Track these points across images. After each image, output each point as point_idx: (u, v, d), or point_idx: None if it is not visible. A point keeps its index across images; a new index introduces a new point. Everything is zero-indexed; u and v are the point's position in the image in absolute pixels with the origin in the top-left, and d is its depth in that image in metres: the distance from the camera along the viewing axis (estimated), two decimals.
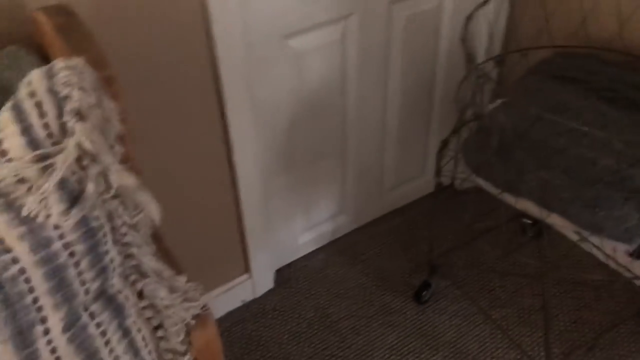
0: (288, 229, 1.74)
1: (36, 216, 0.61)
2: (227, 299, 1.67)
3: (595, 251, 1.80)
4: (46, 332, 0.66)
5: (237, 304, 1.70)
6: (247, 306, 1.70)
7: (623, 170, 1.10)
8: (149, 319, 0.79)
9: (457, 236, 1.89)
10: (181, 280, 0.82)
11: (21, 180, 0.61)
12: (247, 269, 1.67)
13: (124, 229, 0.72)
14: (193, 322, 0.81)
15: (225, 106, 1.33)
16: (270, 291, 1.75)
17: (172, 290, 0.80)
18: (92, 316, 0.69)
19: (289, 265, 1.82)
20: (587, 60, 1.39)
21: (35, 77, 0.64)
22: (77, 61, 0.67)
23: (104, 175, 0.66)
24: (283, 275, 1.79)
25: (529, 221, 1.81)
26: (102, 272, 0.69)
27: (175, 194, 1.39)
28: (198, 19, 1.19)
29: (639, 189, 1.08)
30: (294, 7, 1.34)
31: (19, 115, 0.62)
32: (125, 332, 0.74)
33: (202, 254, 1.55)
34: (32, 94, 0.63)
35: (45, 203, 0.61)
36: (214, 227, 1.52)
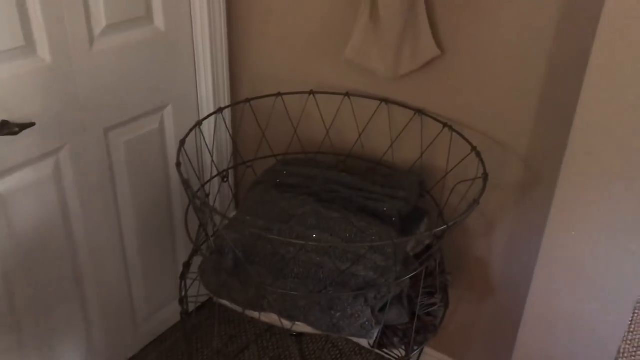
0: None
1: None
2: None
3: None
4: None
5: None
6: None
7: (347, 269, 1.16)
8: None
9: (224, 355, 1.80)
10: None
11: None
12: None
13: None
14: None
15: None
16: None
17: None
18: None
19: None
20: (305, 164, 1.47)
21: None
22: None
23: None
24: None
25: None
26: None
27: None
28: None
29: (362, 285, 1.14)
30: None
31: None
32: None
33: None
34: None
35: None
36: None
